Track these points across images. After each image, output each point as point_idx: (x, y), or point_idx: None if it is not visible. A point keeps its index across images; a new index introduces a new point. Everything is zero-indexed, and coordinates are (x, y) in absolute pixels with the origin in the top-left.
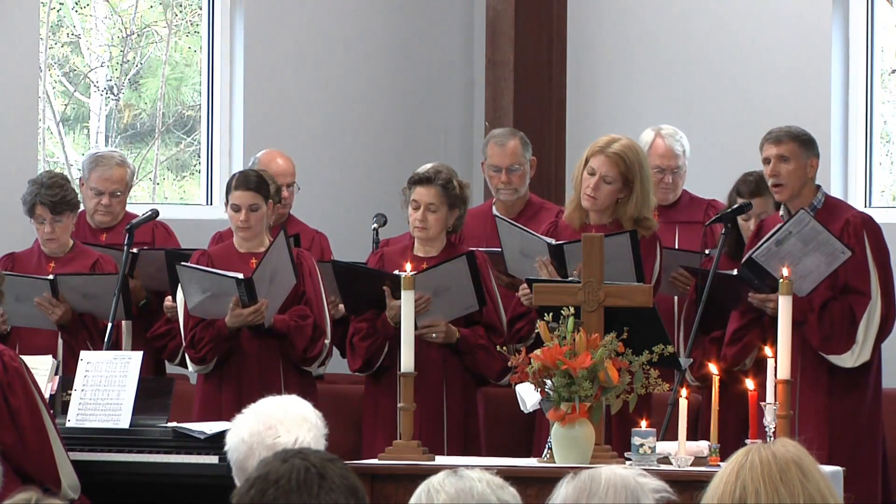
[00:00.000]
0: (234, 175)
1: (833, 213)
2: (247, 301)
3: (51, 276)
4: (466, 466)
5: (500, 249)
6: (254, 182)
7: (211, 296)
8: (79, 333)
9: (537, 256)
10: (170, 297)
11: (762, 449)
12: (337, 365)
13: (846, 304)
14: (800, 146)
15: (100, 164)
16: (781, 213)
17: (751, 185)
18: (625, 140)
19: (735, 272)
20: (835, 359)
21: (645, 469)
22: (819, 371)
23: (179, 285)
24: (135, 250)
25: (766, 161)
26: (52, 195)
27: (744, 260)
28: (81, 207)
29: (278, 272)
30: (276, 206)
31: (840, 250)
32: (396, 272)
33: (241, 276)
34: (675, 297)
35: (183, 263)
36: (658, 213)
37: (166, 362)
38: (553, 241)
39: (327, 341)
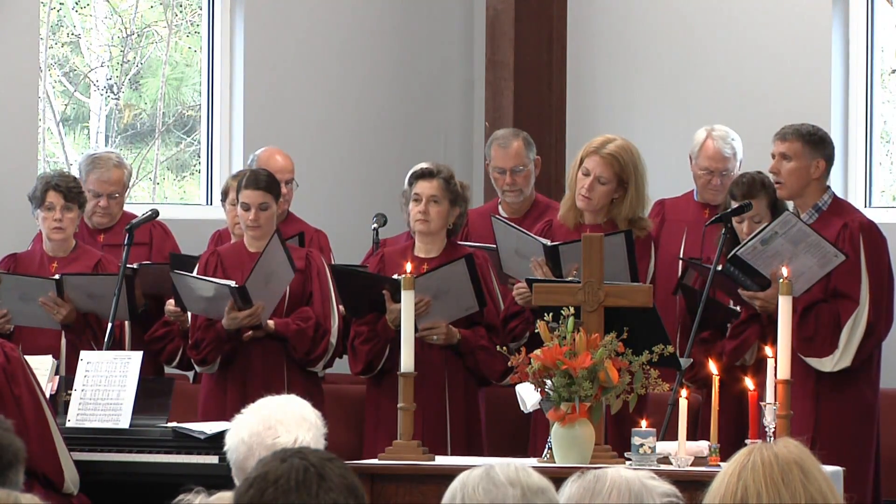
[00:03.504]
0: (243, 174)
1: (835, 216)
2: (241, 306)
3: (56, 276)
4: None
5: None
6: (264, 181)
7: (207, 299)
8: (83, 333)
9: (532, 257)
10: (172, 301)
11: (764, 449)
12: (338, 365)
13: (834, 309)
14: (805, 145)
15: (97, 166)
16: (792, 211)
17: (743, 188)
18: (619, 140)
19: (720, 268)
20: (814, 362)
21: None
22: (806, 374)
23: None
24: (135, 265)
25: (773, 157)
26: (67, 180)
27: (729, 256)
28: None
29: (274, 272)
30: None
31: (833, 254)
32: (396, 276)
33: (233, 283)
34: (678, 298)
35: (177, 271)
36: (708, 212)
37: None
38: (548, 243)
39: (332, 340)
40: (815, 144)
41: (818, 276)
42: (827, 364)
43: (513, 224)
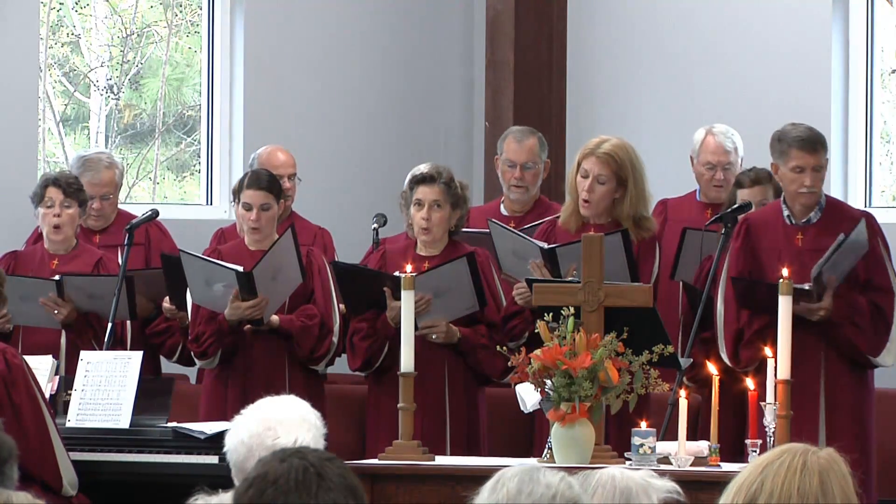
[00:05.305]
0: (246, 174)
1: (837, 212)
2: (245, 296)
3: (57, 277)
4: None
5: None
6: (266, 181)
7: (212, 286)
8: (84, 333)
9: (530, 259)
10: (167, 299)
11: (798, 454)
12: (339, 365)
13: (872, 301)
14: (826, 151)
15: (88, 168)
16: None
17: (751, 175)
18: (615, 140)
19: (807, 287)
20: (877, 360)
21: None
22: (842, 369)
23: (188, 290)
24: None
25: (799, 169)
26: (67, 177)
27: (814, 275)
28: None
29: (282, 269)
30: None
31: (861, 245)
32: (397, 273)
33: (240, 268)
34: (680, 298)
35: (186, 251)
36: (710, 212)
37: (162, 361)
38: (545, 245)
39: (335, 339)
40: (826, 147)
41: (848, 269)
42: (888, 359)
43: (509, 228)
